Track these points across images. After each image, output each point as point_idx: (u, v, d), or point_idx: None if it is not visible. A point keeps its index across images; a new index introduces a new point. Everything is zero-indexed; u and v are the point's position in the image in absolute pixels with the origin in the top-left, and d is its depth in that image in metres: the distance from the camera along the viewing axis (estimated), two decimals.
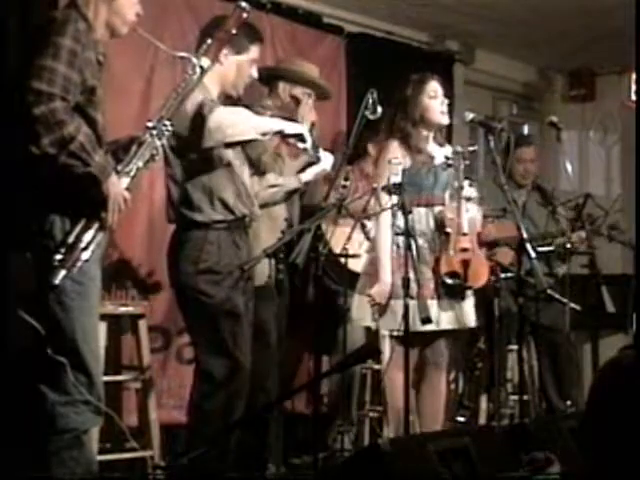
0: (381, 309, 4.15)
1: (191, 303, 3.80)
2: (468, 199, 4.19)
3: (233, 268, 3.77)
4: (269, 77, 4.49)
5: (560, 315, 4.89)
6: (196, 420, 3.81)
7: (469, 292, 4.29)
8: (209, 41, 3.42)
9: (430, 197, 4.23)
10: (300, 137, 3.79)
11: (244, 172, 3.91)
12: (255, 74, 3.96)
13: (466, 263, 4.16)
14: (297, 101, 4.43)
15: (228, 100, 3.94)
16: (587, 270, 5.32)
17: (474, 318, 4.31)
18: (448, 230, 4.17)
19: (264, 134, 3.77)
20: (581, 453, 1.78)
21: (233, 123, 3.70)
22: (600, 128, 7.61)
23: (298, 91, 4.45)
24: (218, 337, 3.74)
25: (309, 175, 4.24)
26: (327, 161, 4.18)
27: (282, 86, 4.46)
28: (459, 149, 4.23)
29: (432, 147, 4.32)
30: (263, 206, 4.17)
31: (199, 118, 3.64)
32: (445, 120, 4.29)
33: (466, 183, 4.19)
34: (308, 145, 3.82)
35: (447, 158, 4.22)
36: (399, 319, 3.98)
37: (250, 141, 3.80)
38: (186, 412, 3.87)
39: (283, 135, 3.81)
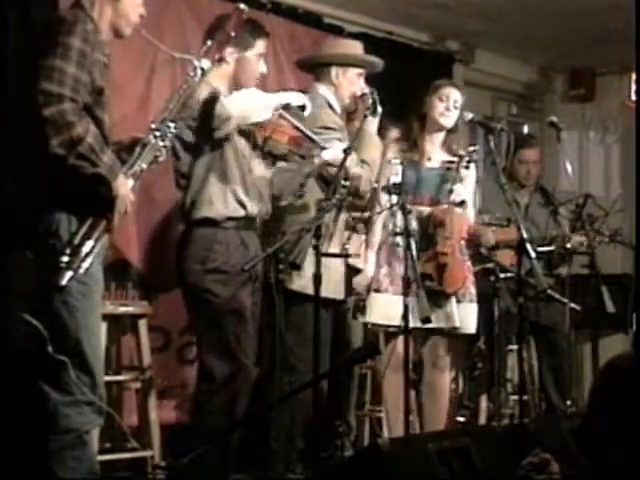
0: (359, 301, 4.22)
1: (197, 302, 3.80)
2: (457, 203, 4.19)
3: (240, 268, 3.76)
4: (317, 64, 4.36)
5: (560, 315, 4.90)
6: (196, 419, 3.81)
7: (470, 297, 4.28)
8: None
9: (416, 197, 4.24)
10: (302, 107, 3.82)
11: (255, 168, 3.89)
12: (264, 69, 3.94)
13: (443, 266, 4.17)
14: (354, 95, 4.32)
15: None
16: (587, 270, 5.31)
17: (465, 324, 4.29)
18: (431, 232, 4.19)
19: (276, 109, 3.78)
20: (582, 453, 1.79)
21: (247, 106, 3.71)
22: (600, 128, 7.60)
23: (352, 72, 4.30)
24: (222, 337, 3.74)
25: (330, 155, 4.05)
26: (339, 148, 4.10)
27: (334, 71, 4.29)
28: (462, 152, 4.24)
29: (436, 151, 4.34)
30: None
31: (210, 105, 3.63)
32: (445, 122, 4.31)
33: (457, 187, 4.20)
34: (308, 112, 3.83)
35: (450, 162, 4.25)
36: (373, 313, 4.16)
37: (265, 120, 3.80)
38: (188, 411, 3.87)
39: (288, 106, 3.81)
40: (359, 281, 4.28)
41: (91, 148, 2.99)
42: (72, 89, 2.97)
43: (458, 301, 4.24)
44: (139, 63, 4.82)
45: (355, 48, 4.45)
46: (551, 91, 7.75)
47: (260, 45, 3.89)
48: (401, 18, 6.22)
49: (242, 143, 3.84)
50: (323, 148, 4.04)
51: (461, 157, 4.22)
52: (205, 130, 3.66)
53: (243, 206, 3.79)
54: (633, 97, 7.22)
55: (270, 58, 5.35)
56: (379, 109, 4.16)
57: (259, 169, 3.94)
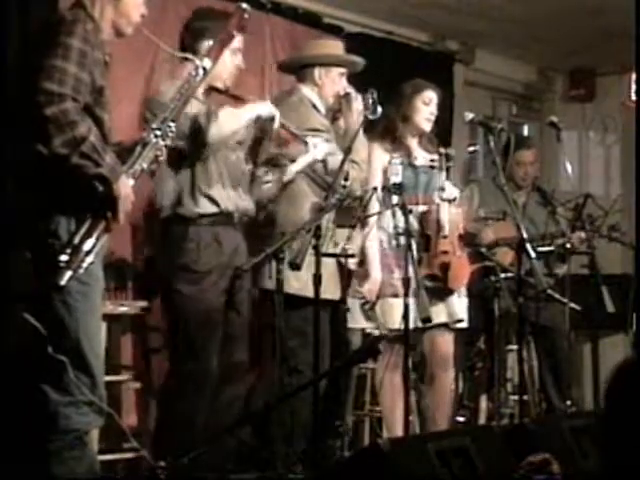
0: (370, 306, 4.19)
1: (167, 300, 3.80)
2: (450, 201, 4.20)
3: (212, 267, 3.72)
4: (301, 66, 4.37)
5: (560, 315, 4.89)
6: (158, 417, 3.87)
7: (464, 292, 4.31)
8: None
9: (410, 197, 4.24)
10: (272, 119, 3.80)
11: (238, 167, 3.88)
12: (242, 64, 3.93)
13: (446, 265, 4.17)
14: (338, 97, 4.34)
15: (216, 92, 3.92)
16: (587, 270, 5.32)
17: (465, 317, 4.33)
18: (428, 232, 4.19)
19: (247, 124, 3.80)
20: (599, 453, 1.77)
21: (227, 130, 3.71)
22: (600, 128, 7.60)
23: (335, 72, 4.32)
24: (188, 337, 3.71)
25: (300, 165, 4.14)
26: (319, 150, 4.11)
27: (318, 72, 4.30)
28: (443, 150, 4.28)
29: (417, 149, 4.38)
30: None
31: (195, 128, 3.67)
32: (427, 127, 4.38)
33: (448, 184, 4.22)
34: (276, 125, 3.82)
35: (432, 161, 4.28)
36: (386, 319, 4.09)
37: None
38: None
39: (260, 118, 3.80)
40: (368, 288, 4.24)
41: (94, 147, 2.99)
42: (73, 89, 2.97)
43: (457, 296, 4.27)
44: (139, 63, 4.81)
45: (337, 48, 4.47)
46: (551, 91, 7.74)
47: (237, 40, 3.82)
48: (401, 18, 6.22)
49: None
50: (305, 142, 4.05)
51: (441, 155, 4.26)
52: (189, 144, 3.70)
53: (214, 202, 3.75)
54: (633, 97, 7.22)
55: (270, 58, 5.37)
56: (379, 109, 4.16)
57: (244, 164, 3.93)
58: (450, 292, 4.25)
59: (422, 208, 4.27)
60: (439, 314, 4.18)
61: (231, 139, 3.78)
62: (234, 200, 3.82)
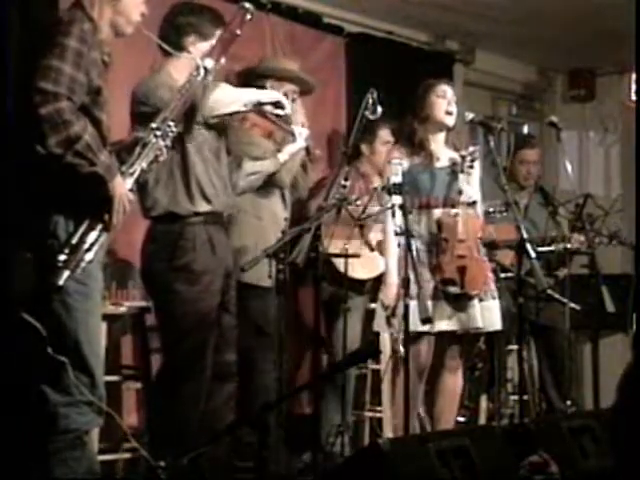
0: (391, 311, 4.15)
1: (162, 302, 3.76)
2: (469, 204, 4.17)
3: (208, 266, 3.69)
4: (256, 76, 4.44)
5: (560, 315, 4.90)
6: (146, 420, 3.86)
7: (492, 294, 4.26)
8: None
9: (428, 199, 4.22)
10: (277, 104, 3.76)
11: (223, 164, 3.87)
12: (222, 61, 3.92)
13: (463, 270, 4.14)
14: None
15: None
16: (587, 270, 5.32)
17: (496, 320, 4.27)
18: (445, 236, 4.16)
19: (246, 105, 3.73)
20: (612, 452, 1.77)
21: (217, 99, 3.65)
22: (600, 128, 7.60)
23: (287, 88, 4.42)
24: (183, 338, 3.68)
25: (286, 155, 4.23)
26: (302, 137, 4.19)
27: (270, 84, 4.40)
28: (464, 153, 4.22)
29: (442, 150, 4.31)
30: (241, 194, 4.16)
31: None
32: (449, 121, 4.29)
33: (466, 187, 4.17)
34: (288, 111, 3.81)
35: (454, 163, 4.22)
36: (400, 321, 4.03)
37: (233, 114, 3.76)
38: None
39: (260, 104, 3.76)
40: (386, 292, 4.23)
41: (88, 146, 2.99)
42: (68, 88, 2.98)
43: (480, 300, 4.21)
44: (140, 62, 4.81)
45: (294, 66, 4.60)
46: (551, 91, 7.74)
47: (217, 35, 3.75)
48: (401, 18, 6.22)
49: (207, 136, 3.74)
50: (292, 133, 4.09)
51: (464, 157, 4.20)
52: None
53: (208, 200, 3.71)
54: (633, 97, 7.22)
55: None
56: (379, 109, 4.16)
57: (225, 165, 3.92)
58: (469, 298, 4.19)
59: (441, 210, 4.23)
60: (450, 321, 4.15)
61: (214, 111, 3.68)
62: (222, 199, 3.80)
